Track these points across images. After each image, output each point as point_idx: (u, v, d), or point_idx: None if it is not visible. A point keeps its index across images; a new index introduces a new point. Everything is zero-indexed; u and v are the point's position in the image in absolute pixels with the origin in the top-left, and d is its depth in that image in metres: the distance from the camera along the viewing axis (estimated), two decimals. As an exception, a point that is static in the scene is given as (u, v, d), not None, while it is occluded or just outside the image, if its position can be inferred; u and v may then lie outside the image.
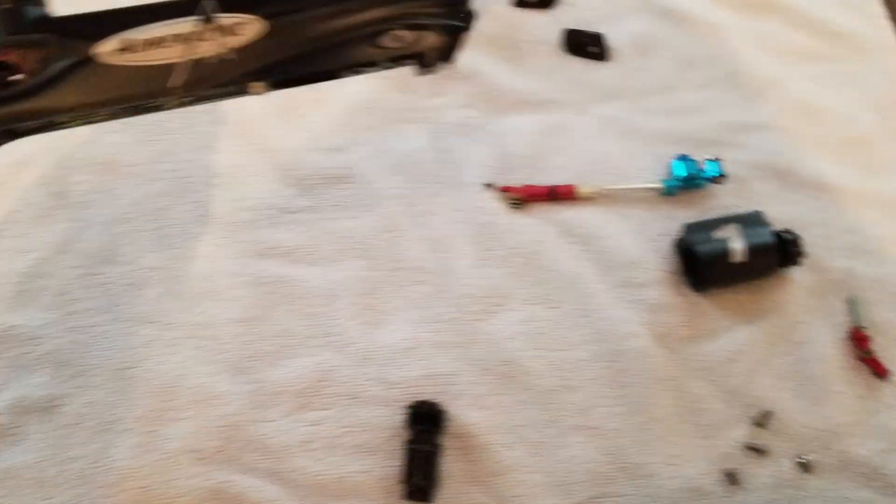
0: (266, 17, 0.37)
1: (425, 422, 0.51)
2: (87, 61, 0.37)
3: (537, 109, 0.65)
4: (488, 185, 0.61)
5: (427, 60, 0.43)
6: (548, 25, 0.69)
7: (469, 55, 0.59)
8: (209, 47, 0.37)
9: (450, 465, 0.52)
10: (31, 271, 0.56)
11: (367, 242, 0.59)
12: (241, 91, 0.40)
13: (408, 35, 0.41)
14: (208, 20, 0.37)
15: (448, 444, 0.52)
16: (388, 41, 0.41)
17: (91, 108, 0.38)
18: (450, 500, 0.51)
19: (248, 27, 0.38)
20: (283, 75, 0.40)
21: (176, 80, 0.38)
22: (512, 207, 0.61)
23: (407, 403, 0.53)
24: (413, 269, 0.58)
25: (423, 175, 0.61)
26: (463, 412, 0.53)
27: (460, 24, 0.41)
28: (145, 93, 0.39)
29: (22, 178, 0.59)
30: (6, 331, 0.53)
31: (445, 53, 0.43)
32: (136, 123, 0.51)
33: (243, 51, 0.38)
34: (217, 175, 0.59)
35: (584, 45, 0.68)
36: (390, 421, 0.53)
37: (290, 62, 0.40)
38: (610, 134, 0.63)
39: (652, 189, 0.60)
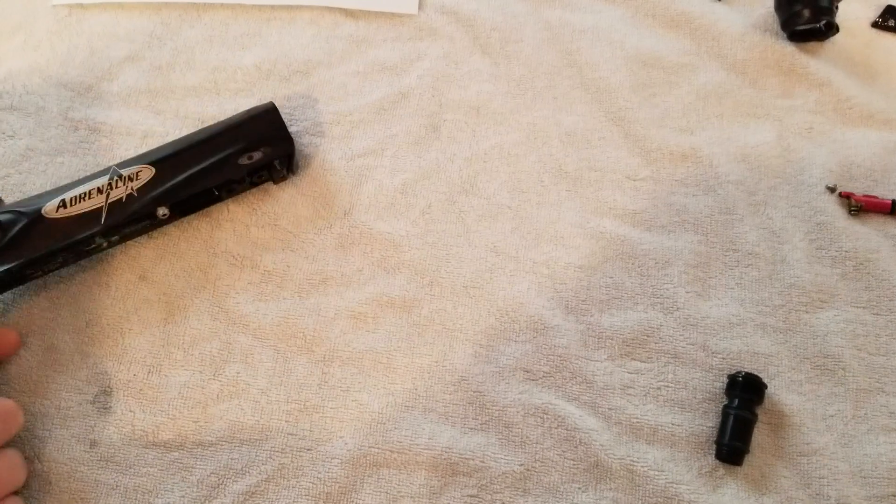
0: (153, 164, 0.56)
1: (748, 391, 0.53)
2: (38, 220, 0.55)
3: (884, 127, 0.67)
4: (831, 189, 0.63)
5: (276, 174, 0.61)
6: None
7: (824, 65, 0.63)
8: (119, 192, 0.56)
9: (760, 437, 0.55)
10: (404, 188, 0.62)
11: (702, 219, 0.62)
12: (152, 216, 0.57)
13: (256, 154, 0.59)
14: (117, 174, 0.56)
15: (761, 418, 0.55)
16: (244, 160, 0.58)
17: (45, 258, 0.56)
18: (756, 468, 0.54)
19: (143, 173, 0.56)
20: (172, 201, 0.58)
21: (103, 221, 0.56)
22: (851, 214, 0.63)
23: (729, 372, 0.55)
24: (745, 253, 0.61)
25: (766, 168, 0.64)
26: (778, 392, 0.57)
27: (287, 139, 0.60)
28: (84, 234, 0.56)
29: (403, 108, 0.65)
30: (376, 235, 0.61)
31: (288, 165, 0.60)
32: (507, 77, 0.60)
33: (143, 189, 0.57)
34: (570, 134, 0.64)
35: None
36: (708, 385, 0.57)
37: (177, 190, 0.58)
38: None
39: None
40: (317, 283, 0.59)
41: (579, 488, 0.52)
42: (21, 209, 0.55)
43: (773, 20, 0.71)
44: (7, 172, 0.64)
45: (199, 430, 0.55)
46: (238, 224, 0.63)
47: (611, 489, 0.52)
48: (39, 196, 0.55)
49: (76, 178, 0.58)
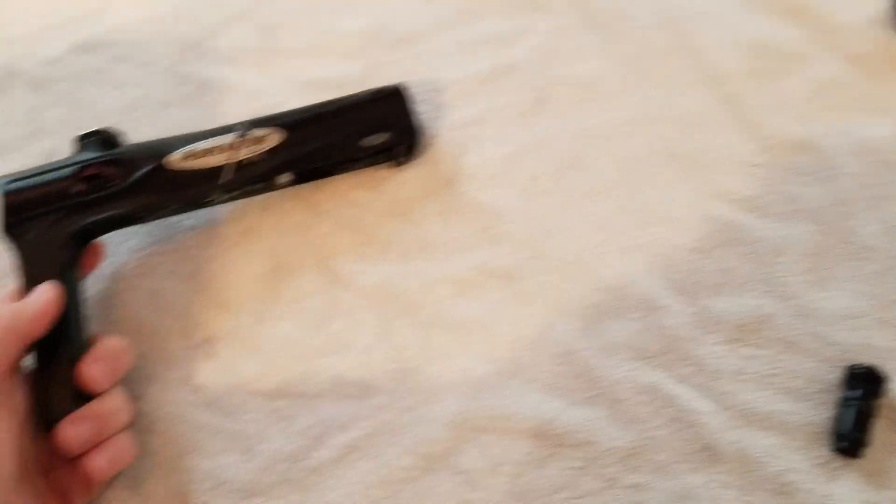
0: (283, 129, 0.55)
1: (868, 383, 0.52)
2: (160, 168, 0.54)
3: None
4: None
5: (396, 158, 0.61)
6: None
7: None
8: (245, 152, 0.55)
9: (879, 431, 0.54)
10: (509, 161, 0.63)
11: (817, 209, 0.61)
12: (271, 182, 0.58)
13: (380, 136, 0.58)
14: (244, 135, 0.54)
15: (881, 413, 0.54)
16: (367, 142, 0.57)
17: (162, 205, 0.56)
18: (875, 462, 0.53)
19: (272, 137, 0.55)
20: (297, 170, 0.58)
21: (224, 178, 0.55)
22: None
23: (848, 364, 0.54)
24: (862, 246, 0.60)
25: (884, 162, 0.63)
26: (896, 388, 0.52)
27: (412, 127, 0.59)
28: (203, 188, 0.55)
29: (509, 80, 0.65)
30: (480, 205, 0.63)
31: (409, 152, 0.60)
32: (619, 55, 0.59)
33: (269, 153, 0.55)
34: (682, 117, 0.63)
35: None
36: (823, 376, 0.56)
37: (300, 162, 0.58)
38: None
39: None
40: (420, 248, 0.59)
41: (689, 469, 0.52)
42: (146, 153, 0.55)
43: (892, 15, 0.69)
44: (116, 121, 0.64)
45: (302, 381, 0.55)
46: (342, 186, 0.63)
47: (721, 472, 0.51)
48: (165, 141, 0.56)
49: (184, 132, 0.58)
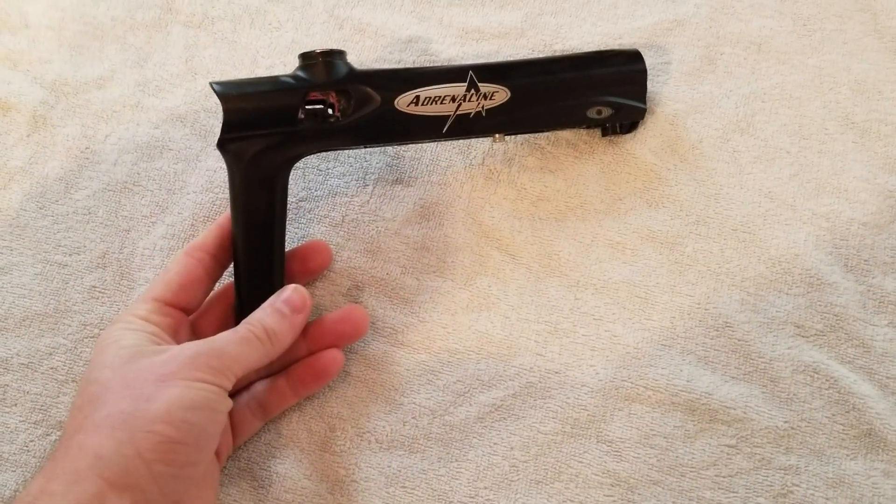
0: (510, 89, 0.54)
1: None
2: (388, 109, 0.53)
3: None
4: None
5: (611, 130, 0.60)
6: None
7: None
8: (470, 106, 0.54)
9: None
10: (674, 120, 0.62)
11: None
12: (486, 137, 0.58)
13: (605, 111, 0.56)
14: (475, 87, 0.53)
15: None
16: (592, 114, 0.56)
17: (379, 143, 0.55)
18: None
19: (498, 95, 0.54)
20: (516, 131, 0.56)
21: (446, 127, 0.54)
22: None
23: None
24: None
25: None
26: None
27: (641, 109, 0.58)
28: (424, 134, 0.54)
29: (677, 36, 0.64)
30: (640, 165, 0.63)
31: (630, 128, 0.59)
32: (794, 15, 0.57)
33: (492, 111, 0.54)
34: (860, 83, 0.61)
35: None
36: None
37: (522, 124, 0.57)
38: None
39: None
40: (574, 207, 0.59)
41: (848, 455, 0.51)
42: (374, 88, 0.54)
43: None
44: (273, 63, 0.66)
45: (447, 336, 0.57)
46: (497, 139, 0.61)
47: (883, 461, 0.50)
48: (390, 76, 0.52)
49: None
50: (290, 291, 0.45)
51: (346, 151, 0.63)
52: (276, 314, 0.44)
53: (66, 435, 0.38)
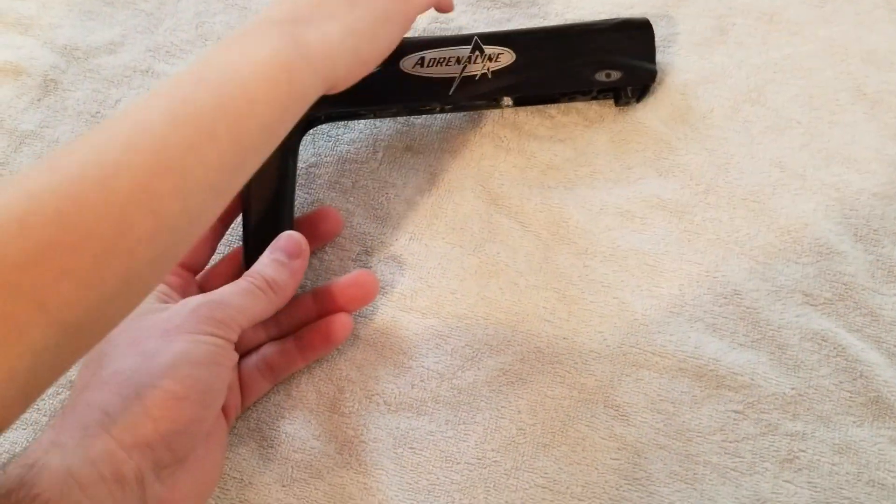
0: (516, 50, 0.55)
1: None
2: (394, 71, 0.55)
3: None
4: None
5: (623, 97, 0.60)
6: None
7: None
8: (475, 68, 0.55)
9: None
10: (685, 90, 0.62)
11: None
12: (492, 104, 0.58)
13: (614, 73, 0.56)
14: (479, 49, 0.55)
15: None
16: (600, 76, 0.56)
17: (385, 105, 0.57)
18: None
19: (503, 56, 0.55)
20: (522, 93, 0.57)
21: (451, 90, 0.56)
22: None
23: None
24: None
25: None
26: None
27: (651, 71, 0.58)
28: (429, 97, 0.56)
29: (688, 5, 0.65)
30: (651, 134, 0.64)
31: (639, 94, 0.59)
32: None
33: (498, 73, 0.56)
34: (872, 53, 0.62)
35: None
36: None
37: (529, 86, 0.57)
38: None
39: None
40: (584, 176, 0.60)
41: (854, 422, 0.52)
42: None
43: None
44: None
45: (455, 301, 0.58)
46: (506, 108, 0.63)
47: (889, 428, 0.52)
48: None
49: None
50: (286, 239, 0.45)
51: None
52: (273, 263, 0.44)
53: (75, 391, 0.38)
